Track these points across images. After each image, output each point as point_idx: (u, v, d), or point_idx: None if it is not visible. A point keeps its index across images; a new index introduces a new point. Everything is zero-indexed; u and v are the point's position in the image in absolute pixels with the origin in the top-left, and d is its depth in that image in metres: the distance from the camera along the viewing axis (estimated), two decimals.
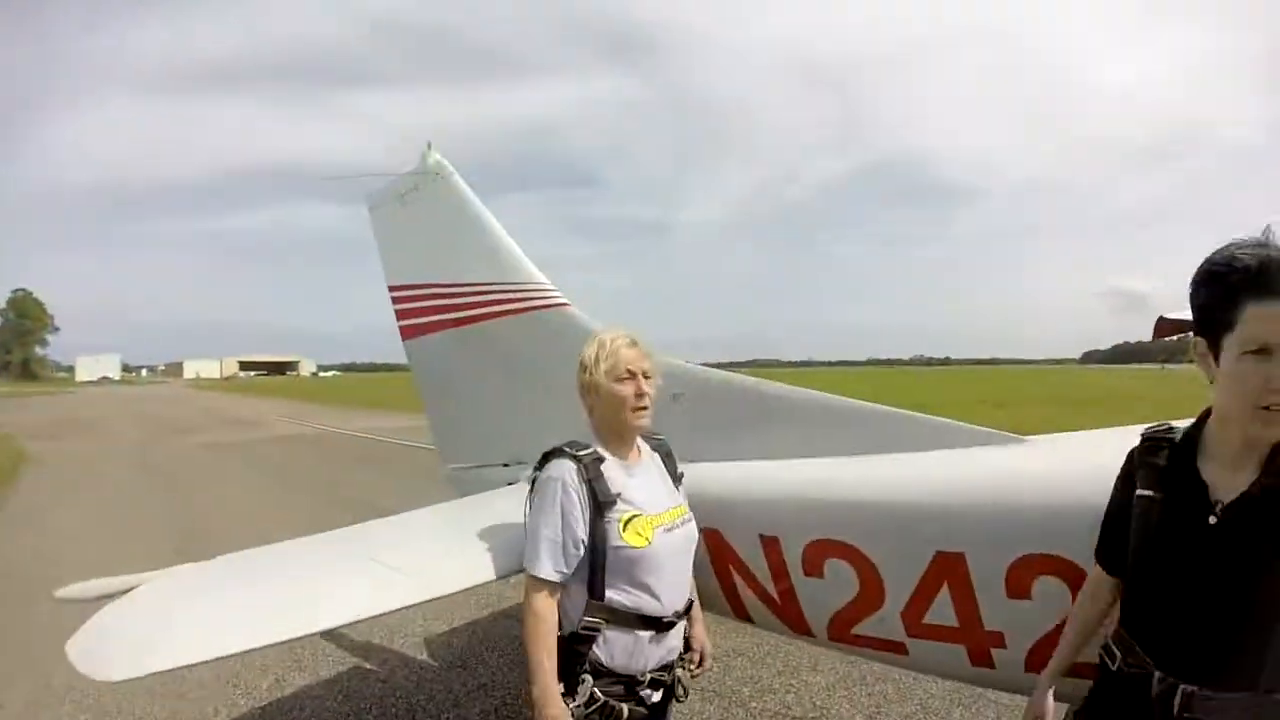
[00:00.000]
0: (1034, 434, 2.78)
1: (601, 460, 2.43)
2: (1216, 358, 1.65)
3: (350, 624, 2.62)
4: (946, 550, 2.44)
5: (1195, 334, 1.70)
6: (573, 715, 2.31)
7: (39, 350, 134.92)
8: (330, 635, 5.94)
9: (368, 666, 5.56)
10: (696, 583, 2.69)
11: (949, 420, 2.88)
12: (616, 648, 2.39)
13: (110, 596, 2.63)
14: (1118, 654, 1.85)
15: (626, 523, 2.36)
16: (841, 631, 2.80)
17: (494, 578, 2.69)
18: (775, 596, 2.93)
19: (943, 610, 2.49)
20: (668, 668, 2.50)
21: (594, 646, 2.38)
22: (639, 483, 2.47)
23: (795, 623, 2.94)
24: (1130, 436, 1.95)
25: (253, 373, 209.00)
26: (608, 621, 2.37)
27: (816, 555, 2.75)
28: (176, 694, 5.08)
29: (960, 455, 2.72)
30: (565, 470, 2.37)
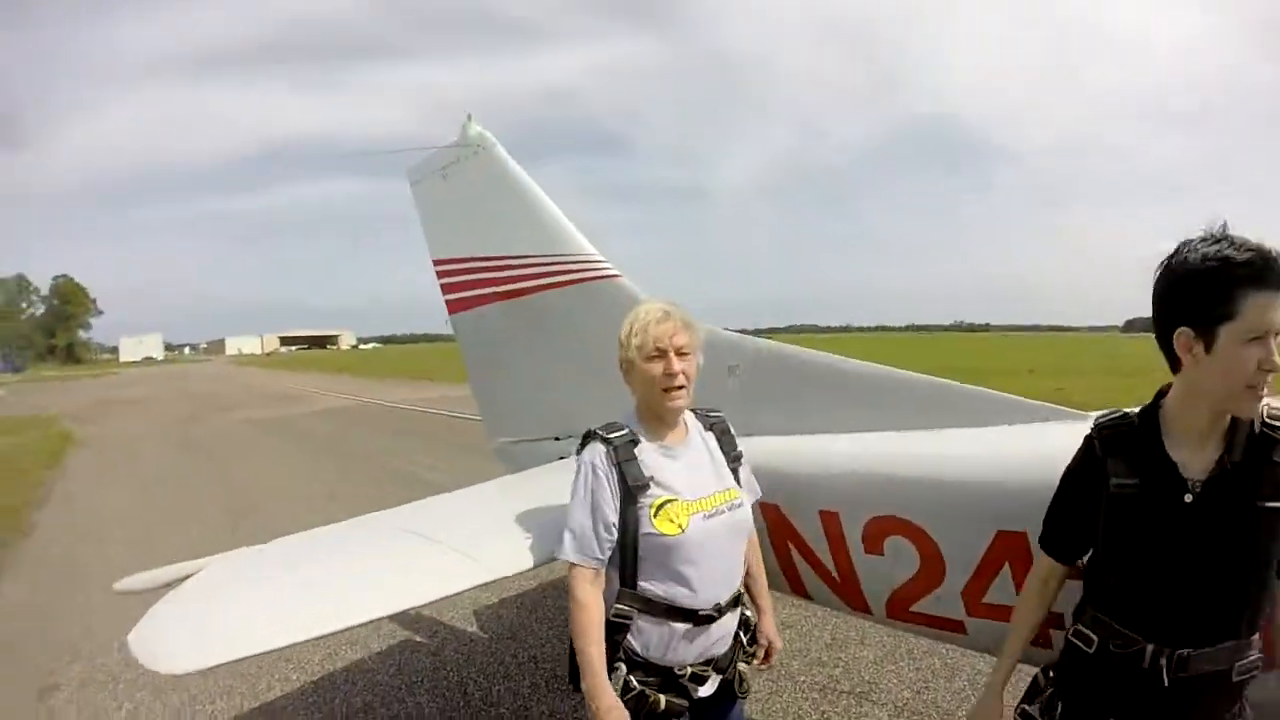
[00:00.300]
0: (1087, 408, 2.72)
1: (636, 442, 2.34)
2: (1208, 347, 1.74)
3: (412, 609, 2.58)
4: (1008, 529, 2.39)
5: (1177, 324, 1.78)
6: (626, 704, 2.27)
7: (83, 334, 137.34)
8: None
9: (418, 639, 5.63)
10: None
11: (1012, 396, 2.79)
12: (651, 638, 2.32)
13: (169, 586, 2.64)
14: (1094, 637, 1.93)
15: (659, 508, 2.27)
16: (900, 609, 2.77)
17: (548, 559, 2.66)
18: (834, 573, 2.90)
19: (1004, 590, 2.44)
20: (712, 662, 2.38)
21: (629, 635, 2.33)
22: (679, 465, 2.36)
23: (854, 600, 2.91)
24: None
25: (294, 347, 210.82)
26: (640, 611, 2.31)
27: (877, 532, 2.71)
28: (230, 669, 5.11)
29: (1023, 431, 2.64)
30: (596, 454, 2.33)
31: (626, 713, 2.22)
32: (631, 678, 2.32)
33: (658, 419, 2.40)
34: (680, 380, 2.31)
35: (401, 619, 5.93)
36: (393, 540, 3.02)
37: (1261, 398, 1.73)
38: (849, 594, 2.90)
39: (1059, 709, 2.01)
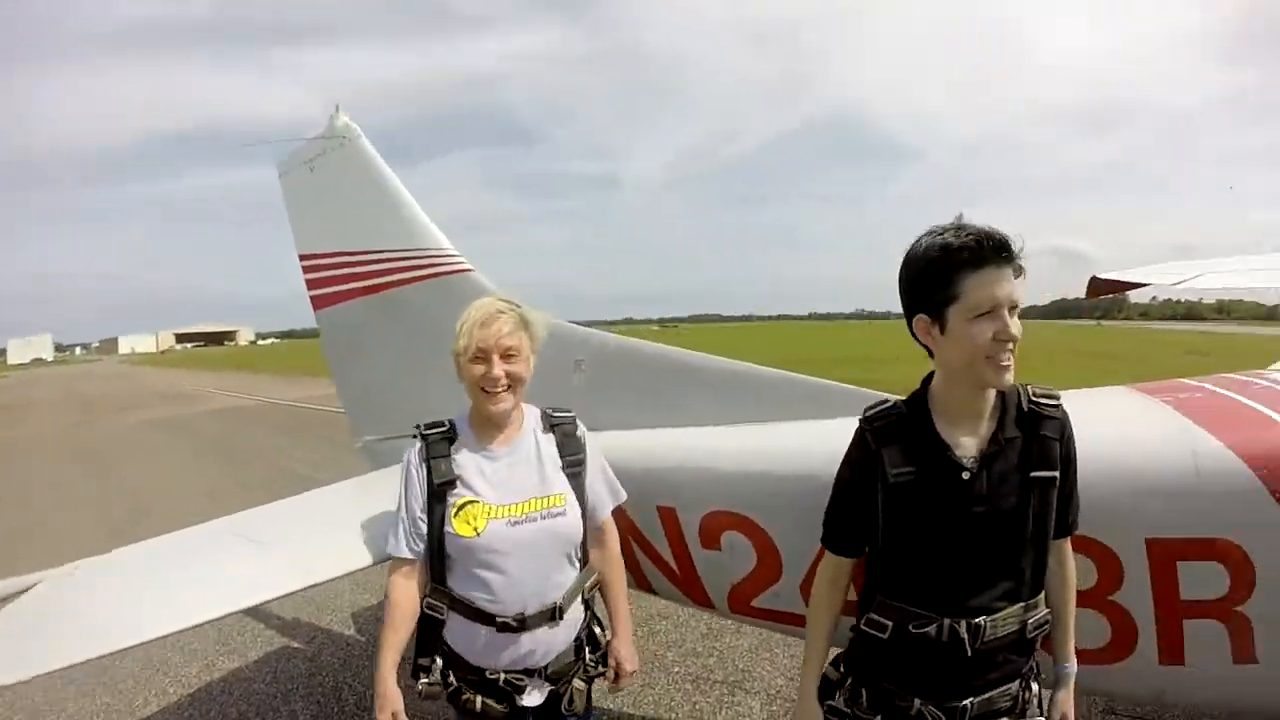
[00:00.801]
0: None
1: (452, 440, 2.35)
2: (942, 329, 1.85)
3: (230, 614, 2.57)
4: None
5: (914, 312, 1.90)
6: (427, 694, 2.32)
7: None
8: (258, 614, 5.95)
9: (295, 645, 5.53)
10: None
11: (856, 387, 2.78)
12: (459, 636, 2.33)
13: (8, 599, 2.60)
14: (889, 623, 1.97)
15: (459, 509, 2.26)
16: (742, 605, 2.77)
17: (383, 558, 2.63)
18: (675, 568, 2.89)
19: None
20: (534, 672, 2.34)
21: (444, 630, 2.34)
22: (495, 467, 2.33)
23: (696, 595, 2.91)
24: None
25: (190, 345, 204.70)
26: (448, 607, 2.31)
27: (714, 527, 2.71)
28: (107, 686, 5.04)
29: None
30: (411, 449, 2.36)
31: (398, 704, 2.23)
32: (451, 673, 2.33)
33: (484, 419, 2.36)
34: (501, 385, 2.27)
35: (280, 625, 5.85)
36: (229, 545, 2.99)
37: (1006, 367, 1.81)
38: (691, 589, 2.90)
39: (863, 697, 2.06)
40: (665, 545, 2.87)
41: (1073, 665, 2.07)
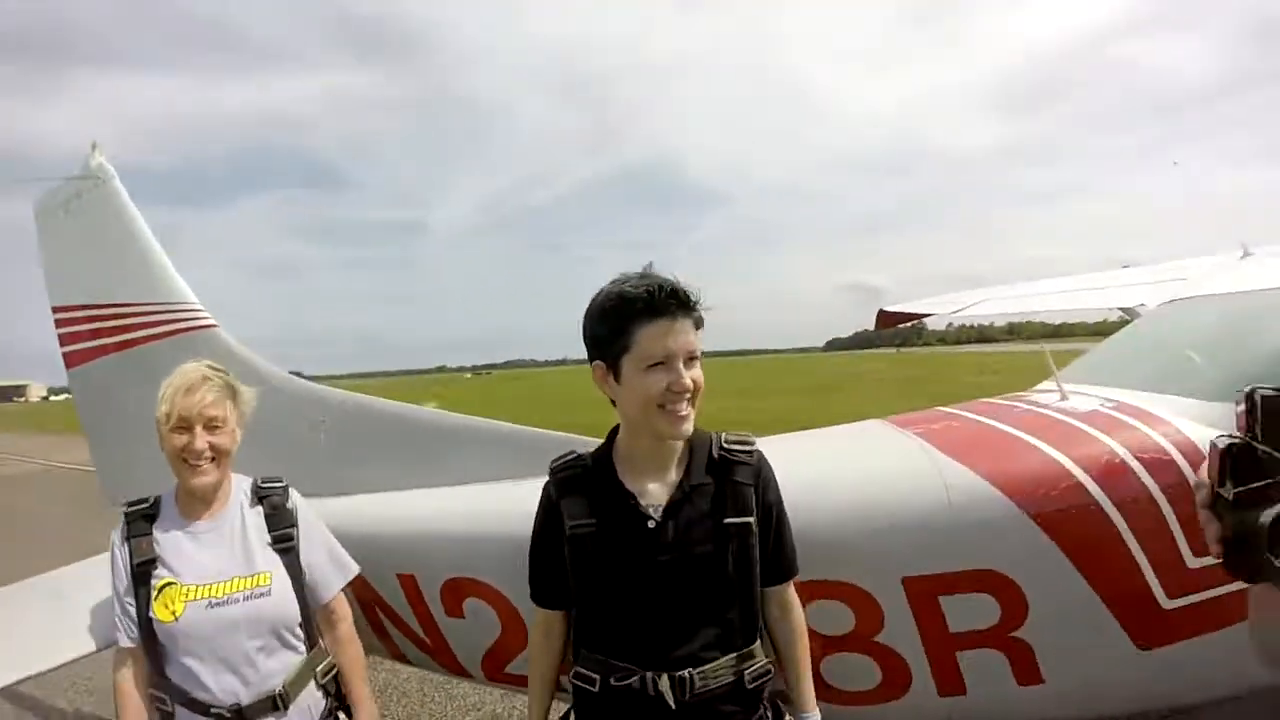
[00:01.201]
0: (776, 425, 2.70)
1: (154, 516, 2.20)
2: (617, 378, 1.85)
3: None
4: None
5: (593, 359, 1.91)
6: None
7: None
8: (38, 709, 5.48)
9: None
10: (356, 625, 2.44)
11: (587, 438, 2.66)
12: None
13: None
14: (595, 675, 1.93)
15: (159, 591, 2.11)
16: (496, 671, 2.67)
17: (96, 647, 2.44)
18: (425, 638, 2.75)
19: None
20: None
21: None
22: (195, 546, 2.18)
23: (450, 665, 2.79)
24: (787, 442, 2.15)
25: None
26: (170, 697, 2.14)
27: (455, 594, 2.59)
28: None
29: None
30: (116, 529, 2.23)
31: None
32: None
33: (188, 492, 2.20)
34: (204, 457, 2.13)
35: (33, 705, 5.43)
36: None
37: (684, 417, 1.82)
38: (444, 659, 2.77)
39: None
40: (411, 615, 2.72)
41: (815, 715, 2.04)
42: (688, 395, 1.81)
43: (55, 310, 4.27)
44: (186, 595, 2.09)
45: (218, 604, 2.10)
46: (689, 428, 1.85)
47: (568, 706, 2.12)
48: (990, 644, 2.19)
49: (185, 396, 2.12)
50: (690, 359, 1.81)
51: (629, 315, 1.79)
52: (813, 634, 2.13)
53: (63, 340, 4.28)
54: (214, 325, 3.63)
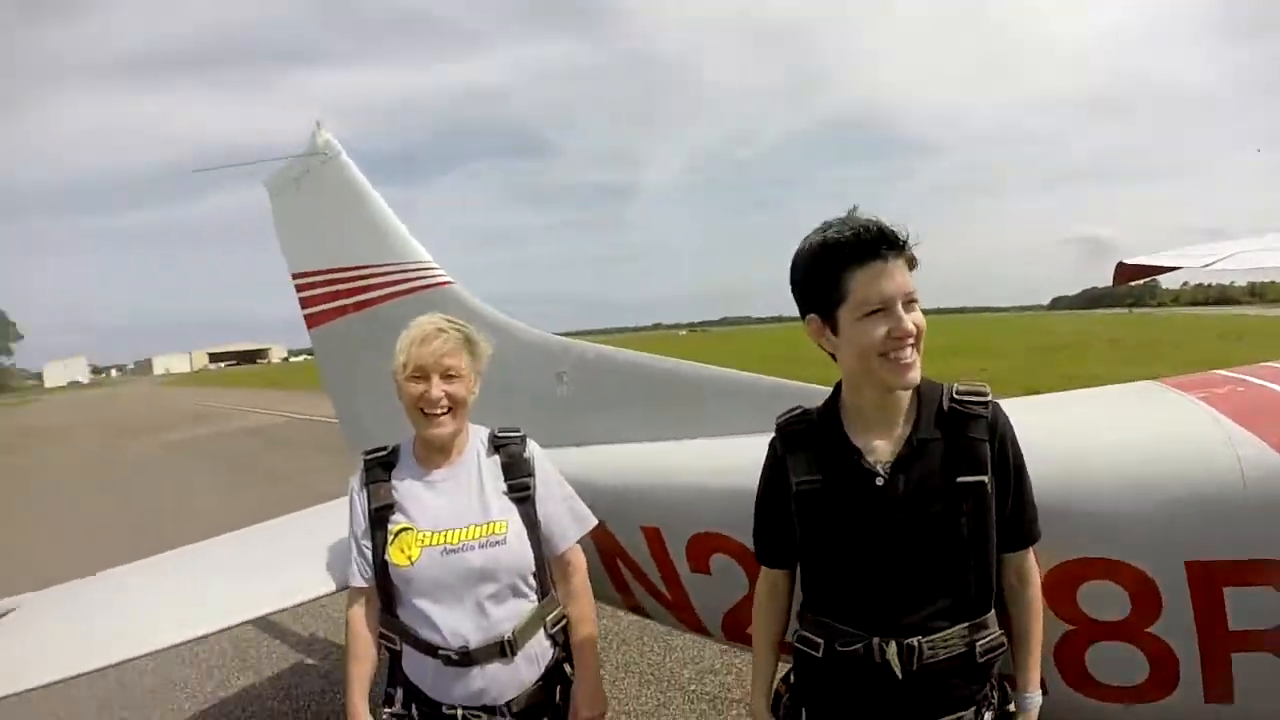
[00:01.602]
0: (1007, 386, 2.53)
1: (392, 464, 2.25)
2: (834, 330, 1.76)
3: (174, 647, 2.50)
4: None
5: (805, 314, 1.81)
6: None
7: (4, 360, 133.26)
8: (274, 631, 6.04)
9: (310, 662, 5.57)
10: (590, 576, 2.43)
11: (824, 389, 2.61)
12: (413, 668, 2.22)
13: None
14: (819, 640, 1.86)
15: (395, 536, 2.15)
16: (736, 631, 2.59)
17: (335, 588, 2.59)
18: (665, 593, 2.72)
19: None
20: (492, 710, 2.18)
21: (401, 660, 2.25)
22: (432, 493, 2.20)
23: (690, 621, 2.74)
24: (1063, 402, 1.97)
25: (223, 364, 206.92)
26: (399, 637, 2.21)
27: (701, 549, 2.53)
28: (124, 701, 5.14)
29: None
30: (355, 475, 2.28)
31: None
32: (413, 705, 2.24)
33: (425, 442, 2.24)
34: (440, 406, 2.15)
35: (296, 641, 5.90)
36: (199, 571, 3.00)
37: (908, 365, 1.70)
38: (684, 615, 2.73)
39: (802, 716, 1.95)
40: (653, 568, 2.69)
41: (1036, 696, 1.88)
42: (910, 340, 1.69)
43: (295, 277, 4.58)
44: (422, 541, 2.13)
45: (452, 550, 2.13)
46: (916, 375, 1.73)
47: (787, 668, 2.05)
48: (1273, 649, 1.88)
49: (421, 346, 2.15)
50: (909, 302, 1.70)
51: (838, 262, 1.70)
52: (1080, 617, 1.96)
53: (304, 303, 4.59)
54: (450, 282, 3.75)
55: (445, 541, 2.13)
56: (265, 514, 3.58)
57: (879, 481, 1.75)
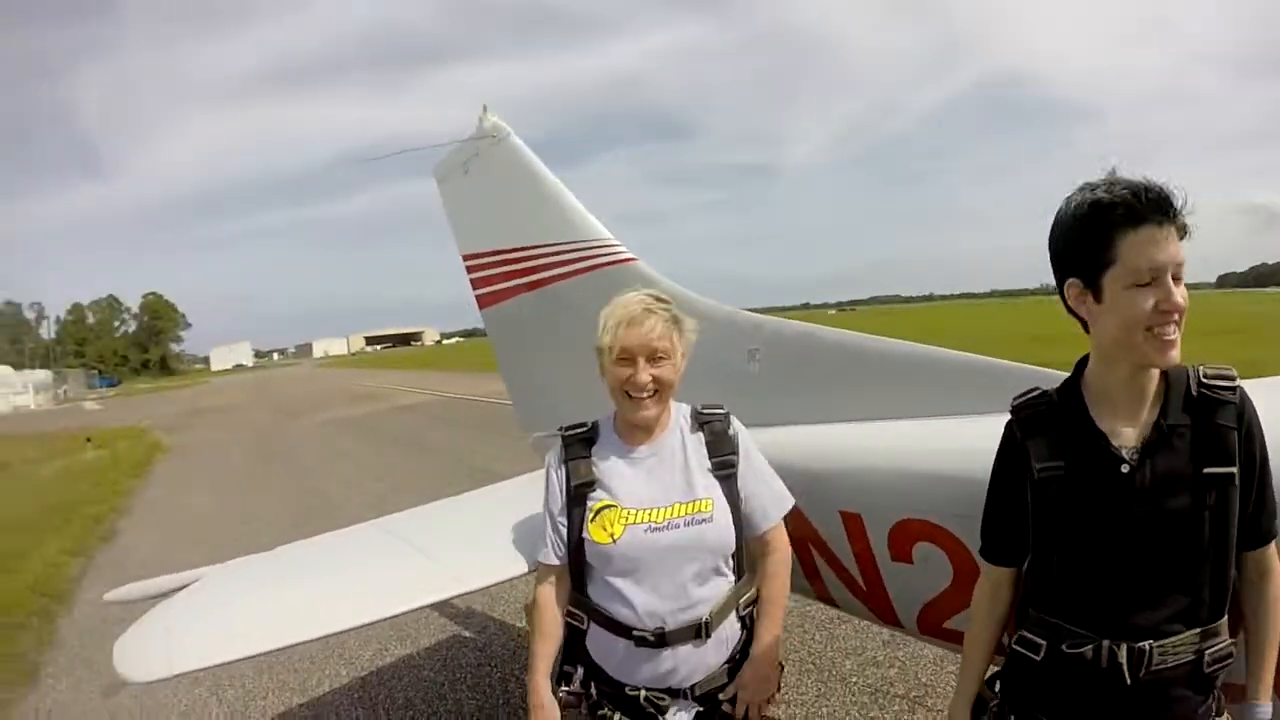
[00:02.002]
0: None
1: (593, 440, 2.21)
2: (1097, 297, 1.64)
3: (380, 621, 2.53)
4: None
5: (1065, 278, 1.70)
6: (567, 702, 2.21)
7: (174, 346, 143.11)
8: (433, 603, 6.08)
9: (466, 634, 5.67)
10: None
11: (1057, 373, 2.32)
12: (599, 647, 2.19)
13: (159, 597, 2.69)
14: (1041, 641, 1.75)
15: (596, 513, 2.11)
16: (933, 626, 2.47)
17: (525, 570, 2.58)
18: (860, 582, 2.62)
19: None
20: (676, 693, 2.14)
21: (585, 640, 2.22)
22: (636, 470, 2.15)
23: (883, 612, 2.64)
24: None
25: (379, 346, 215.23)
26: (588, 617, 2.19)
27: (904, 537, 2.41)
28: (285, 665, 5.35)
29: None
30: (553, 451, 2.26)
31: (555, 714, 2.18)
32: (592, 684, 2.21)
33: (625, 418, 2.19)
34: (647, 390, 2.09)
35: (453, 614, 6.02)
36: (382, 551, 3.00)
37: (1171, 342, 1.58)
38: (877, 606, 2.63)
39: None
40: (850, 556, 2.60)
41: (1267, 709, 1.71)
42: (1177, 317, 1.57)
43: (466, 259, 4.66)
44: (626, 519, 2.09)
45: (657, 529, 2.08)
46: (1177, 354, 1.60)
47: (993, 671, 1.95)
48: None
49: (630, 328, 2.09)
50: (1179, 271, 1.57)
51: (1109, 224, 1.57)
52: None
53: (475, 284, 4.67)
54: (634, 259, 3.71)
55: (650, 519, 2.08)
56: (422, 483, 3.66)
57: (1125, 469, 1.63)
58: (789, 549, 2.33)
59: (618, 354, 2.09)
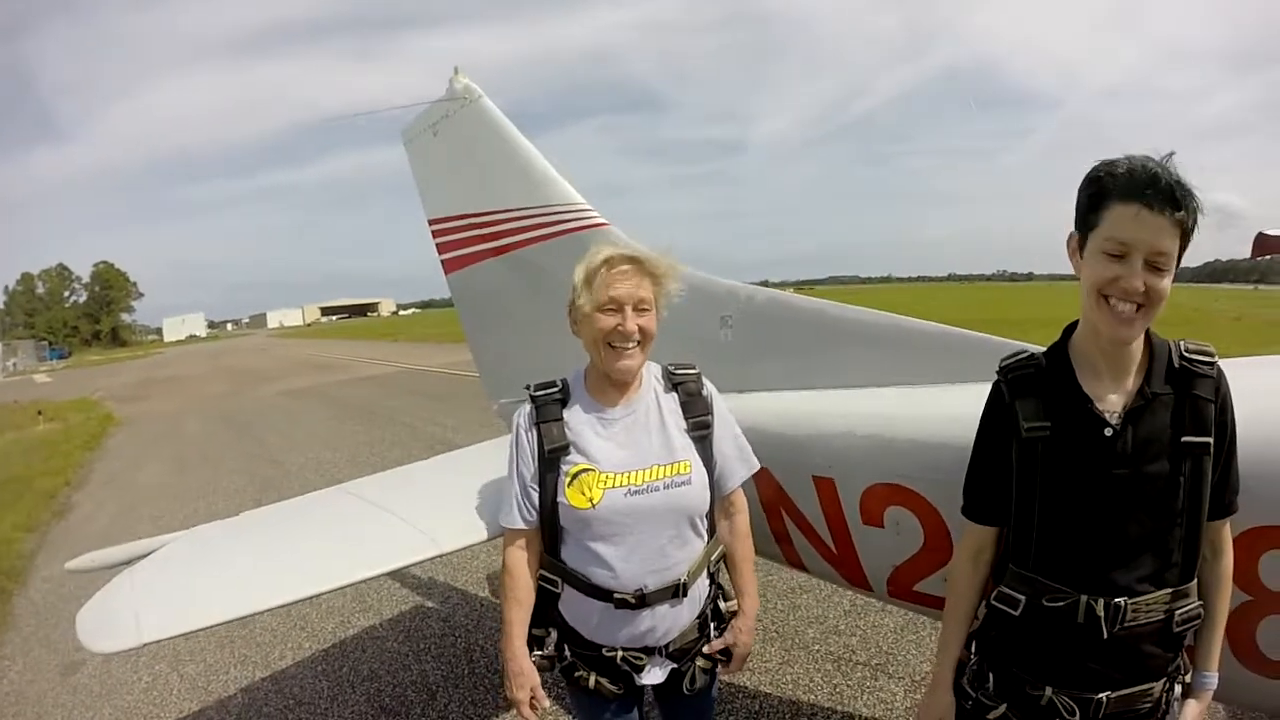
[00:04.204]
0: None
1: (564, 402, 2.17)
2: (1081, 254, 1.72)
3: (349, 586, 2.54)
4: None
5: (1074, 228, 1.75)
6: (543, 666, 2.22)
7: (126, 317, 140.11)
8: (395, 574, 6.11)
9: (430, 605, 5.68)
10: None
11: (1037, 347, 2.48)
12: (574, 611, 2.19)
13: (121, 565, 2.62)
14: (1020, 597, 1.80)
15: (573, 477, 2.08)
16: (903, 588, 2.52)
17: (488, 536, 2.57)
18: (831, 546, 2.65)
19: None
20: (654, 650, 2.18)
21: (559, 603, 2.22)
22: (611, 432, 2.13)
23: (852, 575, 2.67)
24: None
25: (335, 317, 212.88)
26: (563, 580, 2.18)
27: (876, 501, 2.45)
28: (246, 639, 5.31)
29: None
30: (520, 413, 2.21)
31: (535, 679, 2.17)
32: (566, 647, 2.22)
33: (603, 377, 2.16)
34: (632, 340, 2.08)
35: (415, 585, 6.02)
36: (351, 515, 2.95)
37: (1126, 321, 1.64)
38: (847, 569, 2.66)
39: (990, 680, 1.89)
40: (821, 520, 2.62)
41: (1214, 678, 1.81)
42: (1137, 299, 1.62)
43: (433, 223, 4.60)
44: (605, 482, 2.06)
45: (637, 491, 2.06)
46: (1128, 334, 1.67)
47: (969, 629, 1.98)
48: None
49: (617, 275, 2.08)
50: (1156, 259, 1.61)
51: (1106, 190, 1.63)
52: (1259, 589, 1.88)
53: (441, 249, 4.61)
54: (606, 224, 3.68)
55: (630, 482, 2.07)
56: (380, 450, 3.63)
57: (1108, 432, 1.69)
58: (747, 506, 2.36)
59: (603, 303, 2.07)
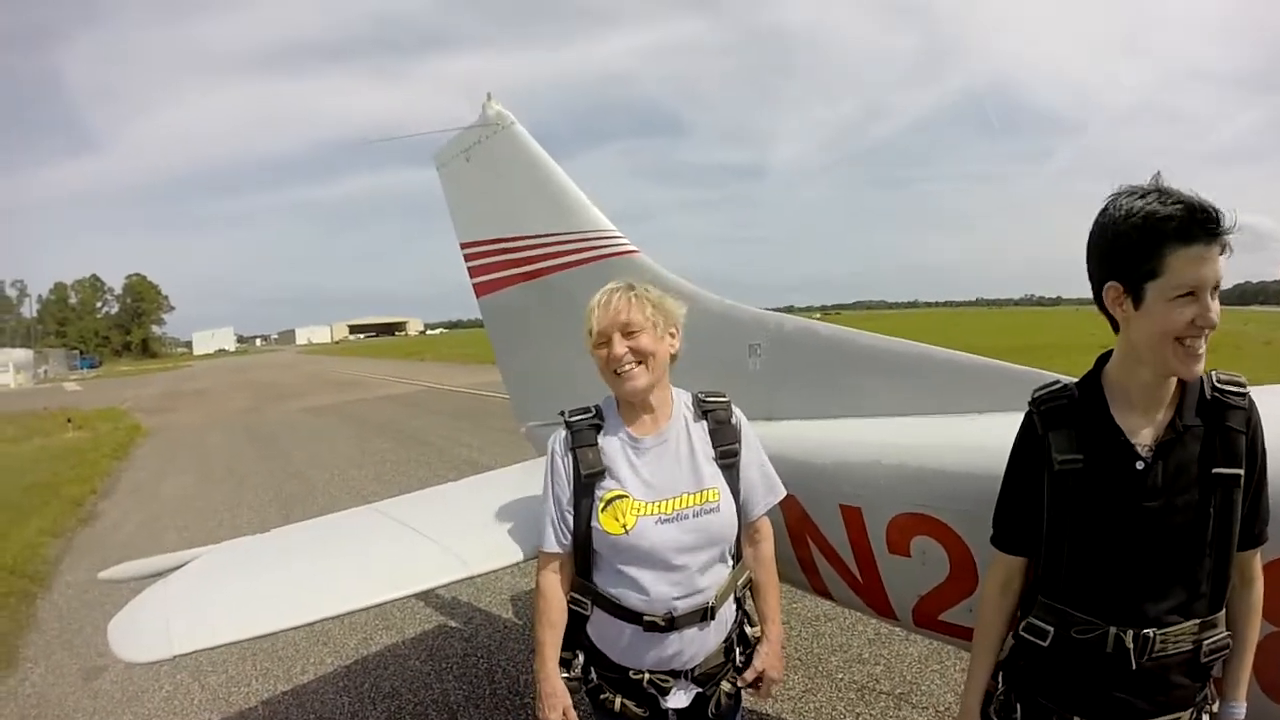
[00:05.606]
0: None
1: (598, 428, 2.21)
2: (1136, 304, 1.67)
3: (379, 605, 2.55)
4: None
5: (1105, 280, 1.71)
6: (570, 688, 2.24)
7: (156, 329, 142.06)
8: (420, 593, 6.07)
9: (453, 624, 5.67)
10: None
11: (1068, 377, 2.47)
12: (603, 633, 2.23)
13: (154, 576, 2.66)
14: (1048, 628, 1.81)
15: (607, 503, 2.13)
16: (928, 618, 2.52)
17: (523, 557, 2.60)
18: (857, 575, 2.65)
19: None
20: (681, 674, 2.21)
21: (588, 625, 2.26)
22: (644, 460, 2.17)
23: (878, 604, 2.67)
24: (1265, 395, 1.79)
25: (362, 335, 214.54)
26: (593, 603, 2.22)
27: (902, 530, 2.45)
28: (269, 652, 5.32)
29: None
30: (556, 438, 2.25)
31: (567, 700, 2.20)
32: (593, 669, 2.26)
33: (628, 405, 2.22)
34: (626, 361, 2.12)
35: (439, 604, 6.01)
36: (381, 534, 2.97)
37: (1199, 357, 1.65)
38: (872, 598, 2.66)
39: (1018, 710, 1.89)
40: (848, 549, 2.63)
41: (1242, 708, 1.80)
42: (1208, 332, 1.63)
43: (463, 246, 4.65)
44: (638, 510, 2.11)
45: (667, 520, 2.11)
46: (1201, 368, 1.67)
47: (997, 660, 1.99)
48: None
49: (600, 310, 2.15)
50: (1215, 291, 1.61)
51: (1161, 236, 1.59)
52: None
53: (473, 272, 4.65)
54: (635, 251, 3.72)
55: (660, 511, 2.12)
56: (406, 469, 3.64)
57: (1139, 465, 1.69)
58: (772, 533, 2.40)
59: (595, 340, 2.15)
